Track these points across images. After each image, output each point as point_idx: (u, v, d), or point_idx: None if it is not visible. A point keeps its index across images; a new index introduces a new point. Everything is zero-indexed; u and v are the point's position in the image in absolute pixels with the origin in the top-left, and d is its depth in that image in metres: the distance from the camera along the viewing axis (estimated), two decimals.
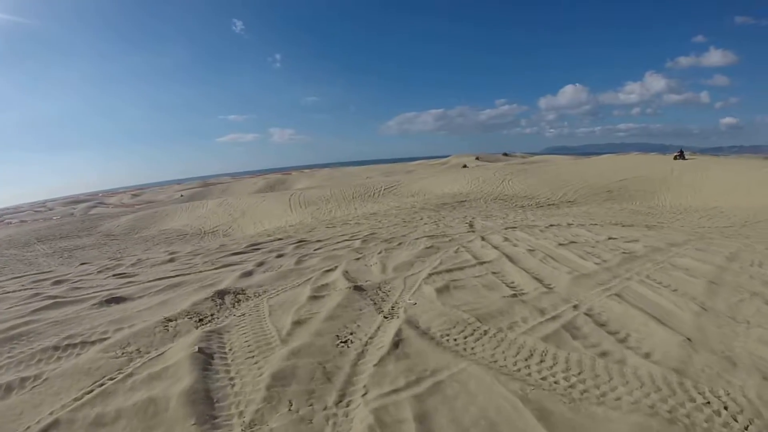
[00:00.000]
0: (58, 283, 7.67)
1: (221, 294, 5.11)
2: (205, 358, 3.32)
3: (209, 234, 21.94)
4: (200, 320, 4.40)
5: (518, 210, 15.02)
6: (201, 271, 6.99)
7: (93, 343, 4.14)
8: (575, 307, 3.90)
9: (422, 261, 5.72)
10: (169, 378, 3.20)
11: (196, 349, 3.39)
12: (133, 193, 47.55)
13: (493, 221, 10.86)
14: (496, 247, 6.48)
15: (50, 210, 44.63)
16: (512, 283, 4.58)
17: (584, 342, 3.26)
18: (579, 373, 2.81)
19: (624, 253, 6.18)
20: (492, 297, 4.04)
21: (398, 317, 3.63)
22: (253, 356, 3.26)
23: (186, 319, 4.48)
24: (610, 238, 7.44)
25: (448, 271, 5.08)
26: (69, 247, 20.03)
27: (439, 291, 4.22)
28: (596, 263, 5.49)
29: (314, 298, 4.41)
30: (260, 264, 6.67)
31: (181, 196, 39.76)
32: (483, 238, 7.45)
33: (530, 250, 6.11)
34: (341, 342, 3.25)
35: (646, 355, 3.16)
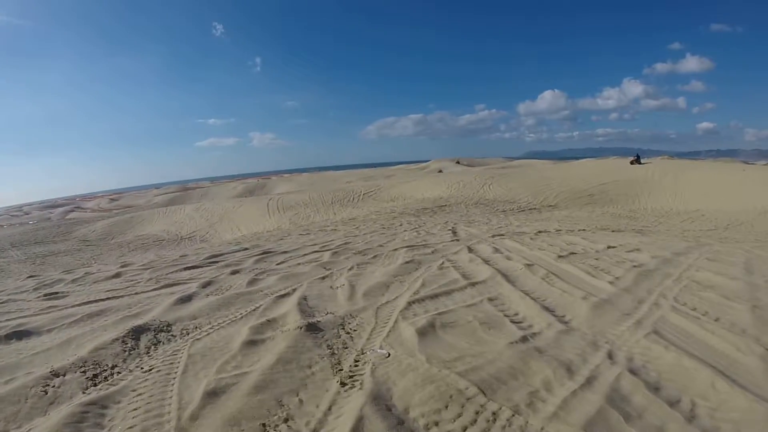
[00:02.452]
0: None
1: (138, 332, 3.71)
2: None
3: (186, 239, 20.37)
4: (94, 377, 3.01)
5: (500, 215, 13.89)
6: (137, 293, 5.56)
7: None
8: (610, 356, 2.66)
9: (400, 282, 4.41)
10: None
11: None
12: (111, 197, 44.83)
13: (477, 228, 9.65)
14: (486, 261, 5.22)
15: (27, 214, 41.88)
16: (516, 315, 3.31)
17: (642, 426, 2.02)
18: None
19: (634, 266, 5.01)
20: (495, 343, 2.75)
21: (362, 385, 2.31)
22: None
23: (78, 373, 3.09)
24: (609, 247, 6.29)
25: (433, 297, 3.79)
26: (43, 253, 18.31)
27: (422, 333, 2.91)
28: (610, 282, 4.28)
29: (251, 343, 3.06)
30: (207, 284, 5.26)
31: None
32: (470, 249, 6.20)
33: (528, 264, 4.87)
34: None
35: None
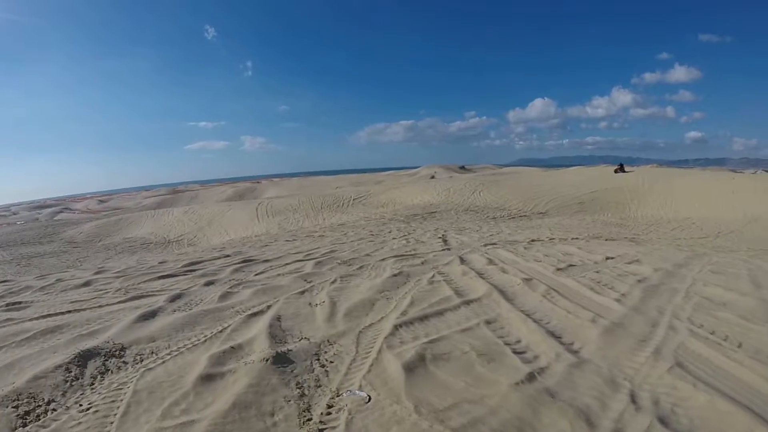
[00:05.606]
0: None
1: (86, 357, 3.16)
2: None
3: (174, 243, 19.78)
4: (26, 414, 2.46)
5: (491, 222, 13.47)
6: (101, 306, 4.97)
7: None
8: (633, 399, 2.18)
9: (387, 299, 3.90)
10: None
11: None
12: (100, 198, 43.60)
13: (468, 235, 9.19)
14: (480, 275, 4.74)
15: (15, 215, 40.67)
16: (519, 343, 2.82)
17: None
18: None
19: (638, 281, 4.59)
20: (497, 382, 2.26)
21: None
22: None
23: (9, 408, 2.54)
24: (608, 258, 5.88)
25: (423, 318, 3.28)
26: (29, 254, 17.60)
27: (410, 368, 2.40)
28: (616, 300, 3.83)
29: (207, 379, 2.52)
30: (176, 297, 4.70)
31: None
32: (462, 260, 5.72)
33: (526, 279, 4.39)
34: None
35: None
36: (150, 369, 2.95)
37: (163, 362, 3.00)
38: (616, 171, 20.87)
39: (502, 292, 3.92)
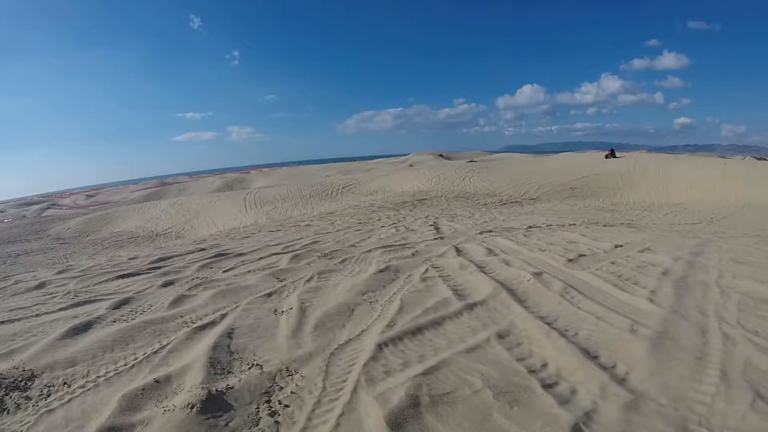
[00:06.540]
0: None
1: None
2: None
3: (162, 236, 18.78)
4: None
5: (482, 208, 12.70)
6: (39, 315, 4.08)
7: None
8: None
9: (370, 302, 3.08)
10: None
11: None
12: (87, 193, 41.81)
13: (461, 222, 8.39)
14: (481, 268, 3.93)
15: (2, 212, 39.04)
16: (545, 369, 2.02)
17: None
18: None
19: (662, 273, 3.83)
20: None
21: None
22: None
23: None
24: (617, 246, 5.13)
25: (415, 332, 2.47)
26: (15, 252, 16.52)
27: (398, 423, 1.56)
28: (648, 299, 3.05)
29: None
30: (122, 303, 3.83)
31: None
32: (458, 251, 4.91)
33: (536, 273, 3.59)
34: None
35: None
36: (50, 411, 2.11)
37: (69, 401, 2.16)
38: (607, 156, 20.26)
39: (511, 292, 3.11)
